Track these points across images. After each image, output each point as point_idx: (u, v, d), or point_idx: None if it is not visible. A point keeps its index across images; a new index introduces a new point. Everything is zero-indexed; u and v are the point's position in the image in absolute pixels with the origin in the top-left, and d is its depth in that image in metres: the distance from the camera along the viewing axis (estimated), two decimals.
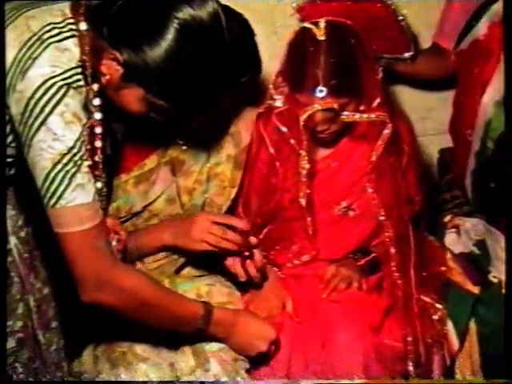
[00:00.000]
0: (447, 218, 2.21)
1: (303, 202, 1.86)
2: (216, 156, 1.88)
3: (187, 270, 1.88)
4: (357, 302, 1.84)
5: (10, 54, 1.41)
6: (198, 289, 1.82)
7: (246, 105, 1.95)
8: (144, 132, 1.72)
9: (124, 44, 1.44)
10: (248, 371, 1.74)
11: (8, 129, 1.45)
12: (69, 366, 1.68)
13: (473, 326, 1.93)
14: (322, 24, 1.80)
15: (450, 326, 1.91)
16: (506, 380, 1.62)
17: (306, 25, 1.83)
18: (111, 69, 1.46)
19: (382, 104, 1.85)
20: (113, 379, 1.65)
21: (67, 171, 1.42)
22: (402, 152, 1.93)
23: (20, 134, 1.43)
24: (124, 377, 1.64)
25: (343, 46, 1.80)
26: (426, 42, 2.38)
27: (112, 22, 1.45)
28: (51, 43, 1.42)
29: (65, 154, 1.42)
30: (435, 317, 1.90)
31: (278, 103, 1.92)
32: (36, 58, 1.40)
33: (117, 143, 1.69)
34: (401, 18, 2.15)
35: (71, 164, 1.42)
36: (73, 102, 1.42)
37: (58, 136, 1.41)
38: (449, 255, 2.06)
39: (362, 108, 1.84)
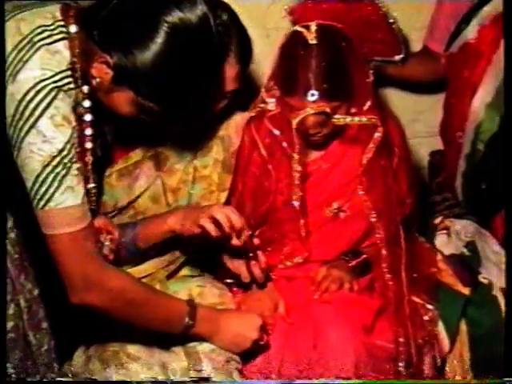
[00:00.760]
0: (438, 220, 2.22)
1: (296, 204, 1.87)
2: (203, 158, 1.88)
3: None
4: (348, 303, 1.84)
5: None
6: (190, 290, 1.82)
7: (237, 109, 1.94)
8: (131, 128, 1.72)
9: (114, 47, 1.44)
10: (240, 372, 1.74)
11: None
12: (60, 366, 1.68)
13: (463, 326, 1.93)
14: (313, 27, 1.81)
15: (440, 326, 1.91)
16: (496, 379, 1.63)
17: (297, 28, 1.84)
18: (101, 72, 1.47)
19: (372, 107, 1.86)
20: (103, 379, 1.65)
21: (57, 173, 1.43)
22: (392, 154, 1.93)
23: (10, 136, 1.43)
24: (116, 376, 1.64)
25: (334, 50, 1.81)
26: (416, 45, 2.39)
27: (102, 25, 1.45)
28: (42, 46, 1.43)
29: (55, 157, 1.43)
30: (426, 318, 1.90)
31: (270, 106, 1.92)
32: (27, 61, 1.41)
33: (107, 145, 1.69)
34: (391, 20, 2.15)
35: (61, 166, 1.43)
36: (63, 104, 1.44)
37: (48, 138, 1.42)
38: (439, 257, 2.07)
39: (353, 111, 1.85)
